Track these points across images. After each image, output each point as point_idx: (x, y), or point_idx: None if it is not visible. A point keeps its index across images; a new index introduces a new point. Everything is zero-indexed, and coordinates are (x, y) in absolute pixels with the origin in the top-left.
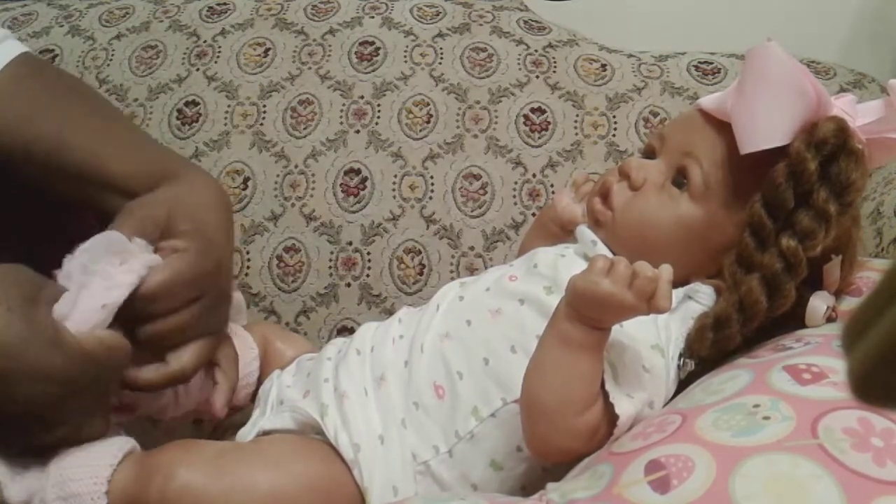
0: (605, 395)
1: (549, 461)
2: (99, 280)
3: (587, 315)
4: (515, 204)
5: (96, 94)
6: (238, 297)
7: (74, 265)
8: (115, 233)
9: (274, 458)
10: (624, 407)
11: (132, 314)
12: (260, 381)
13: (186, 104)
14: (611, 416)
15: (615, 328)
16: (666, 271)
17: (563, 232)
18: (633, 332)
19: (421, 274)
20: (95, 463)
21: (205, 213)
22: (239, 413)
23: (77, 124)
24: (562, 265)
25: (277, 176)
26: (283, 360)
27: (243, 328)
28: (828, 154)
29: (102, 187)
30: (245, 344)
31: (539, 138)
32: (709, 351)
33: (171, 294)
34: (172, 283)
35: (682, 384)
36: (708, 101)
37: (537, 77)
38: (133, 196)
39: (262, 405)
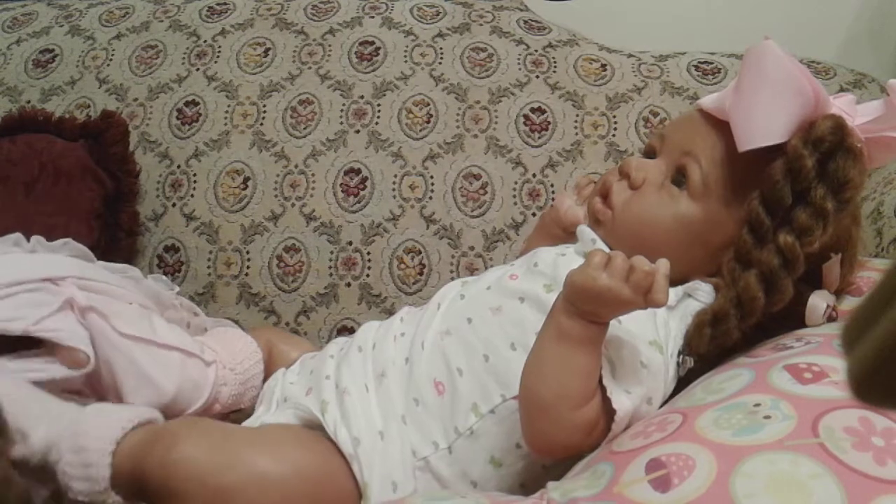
0: (604, 390)
1: (547, 457)
2: None
3: (585, 309)
4: (515, 204)
5: None
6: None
7: None
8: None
9: (273, 442)
10: (621, 402)
11: None
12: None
13: (186, 104)
14: (609, 412)
15: (614, 324)
16: (663, 265)
17: (565, 234)
18: (632, 327)
19: (421, 274)
20: (110, 424)
21: None
22: (241, 411)
23: None
24: (562, 264)
25: (277, 176)
26: (288, 361)
27: (247, 333)
28: (825, 151)
29: None
30: (249, 348)
31: (539, 138)
32: (707, 347)
33: None
34: None
35: (683, 383)
36: (707, 100)
37: (537, 77)
38: None
39: (266, 402)
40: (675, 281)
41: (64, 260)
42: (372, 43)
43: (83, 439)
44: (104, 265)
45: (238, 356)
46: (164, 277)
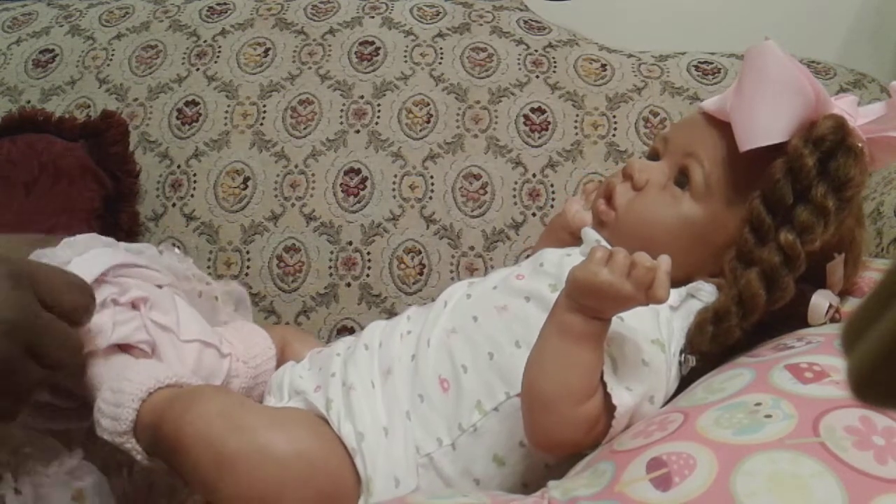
0: (605, 387)
1: (549, 453)
2: None
3: (586, 305)
4: (515, 204)
5: None
6: (241, 291)
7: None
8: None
9: (283, 421)
10: (622, 398)
11: None
12: None
13: (186, 104)
14: (610, 409)
15: (616, 321)
16: (664, 262)
17: (572, 238)
18: (634, 325)
19: (421, 274)
20: (151, 375)
21: None
22: None
23: None
24: (567, 264)
25: (277, 176)
26: (300, 359)
27: (263, 328)
28: (826, 150)
29: None
30: (264, 343)
31: (539, 138)
32: (709, 345)
33: None
34: None
35: (684, 383)
36: (709, 102)
37: (537, 77)
38: None
39: (276, 393)
40: (678, 282)
41: (97, 255)
42: (372, 43)
43: (124, 383)
44: (126, 246)
45: (253, 350)
46: (173, 248)
